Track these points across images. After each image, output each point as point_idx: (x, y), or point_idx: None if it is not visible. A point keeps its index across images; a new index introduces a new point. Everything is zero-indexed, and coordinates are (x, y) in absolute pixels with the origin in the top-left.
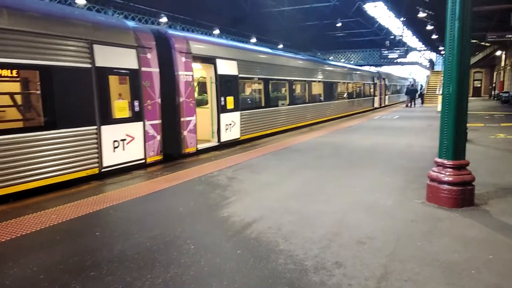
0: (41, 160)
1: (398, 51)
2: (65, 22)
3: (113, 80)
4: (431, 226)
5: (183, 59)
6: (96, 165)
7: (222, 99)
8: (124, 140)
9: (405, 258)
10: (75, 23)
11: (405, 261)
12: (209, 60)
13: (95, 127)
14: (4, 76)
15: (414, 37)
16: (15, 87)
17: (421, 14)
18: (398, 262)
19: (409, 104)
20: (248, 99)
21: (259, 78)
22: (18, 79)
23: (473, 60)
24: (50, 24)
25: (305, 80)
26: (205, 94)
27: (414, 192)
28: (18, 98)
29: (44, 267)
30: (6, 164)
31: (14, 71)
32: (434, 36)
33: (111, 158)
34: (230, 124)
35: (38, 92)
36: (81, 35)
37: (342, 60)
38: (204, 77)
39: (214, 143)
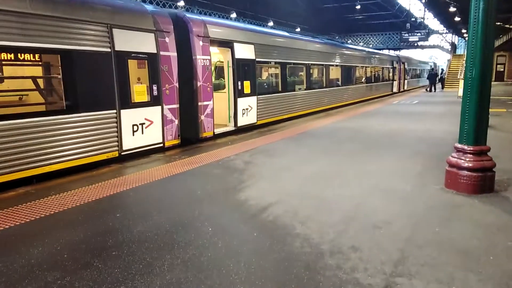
0: (63, 143)
1: (418, 34)
2: (85, 7)
3: (132, 64)
4: (449, 212)
5: (201, 43)
6: (116, 148)
7: (239, 83)
8: (143, 124)
9: (422, 243)
10: (94, 8)
11: (422, 246)
12: (226, 44)
13: (115, 111)
14: (26, 60)
15: (436, 19)
16: (37, 71)
17: None
18: (415, 247)
19: (429, 89)
20: (265, 84)
21: (276, 62)
22: (40, 63)
23: (497, 43)
24: (71, 8)
25: (322, 64)
26: (222, 79)
27: (432, 178)
28: (40, 82)
29: (67, 246)
30: (30, 147)
31: (36, 55)
32: (457, 19)
33: (130, 141)
34: (247, 109)
35: (60, 76)
36: (100, 19)
37: (361, 43)
38: (222, 61)
39: (231, 127)
